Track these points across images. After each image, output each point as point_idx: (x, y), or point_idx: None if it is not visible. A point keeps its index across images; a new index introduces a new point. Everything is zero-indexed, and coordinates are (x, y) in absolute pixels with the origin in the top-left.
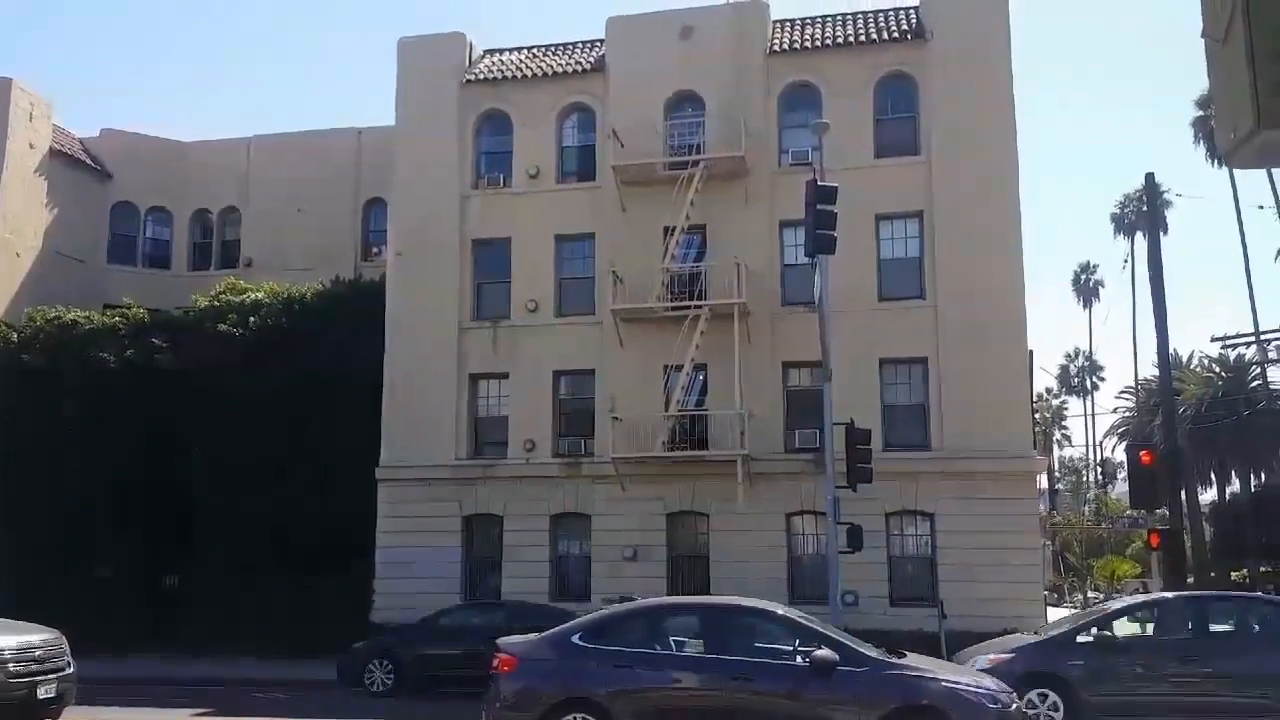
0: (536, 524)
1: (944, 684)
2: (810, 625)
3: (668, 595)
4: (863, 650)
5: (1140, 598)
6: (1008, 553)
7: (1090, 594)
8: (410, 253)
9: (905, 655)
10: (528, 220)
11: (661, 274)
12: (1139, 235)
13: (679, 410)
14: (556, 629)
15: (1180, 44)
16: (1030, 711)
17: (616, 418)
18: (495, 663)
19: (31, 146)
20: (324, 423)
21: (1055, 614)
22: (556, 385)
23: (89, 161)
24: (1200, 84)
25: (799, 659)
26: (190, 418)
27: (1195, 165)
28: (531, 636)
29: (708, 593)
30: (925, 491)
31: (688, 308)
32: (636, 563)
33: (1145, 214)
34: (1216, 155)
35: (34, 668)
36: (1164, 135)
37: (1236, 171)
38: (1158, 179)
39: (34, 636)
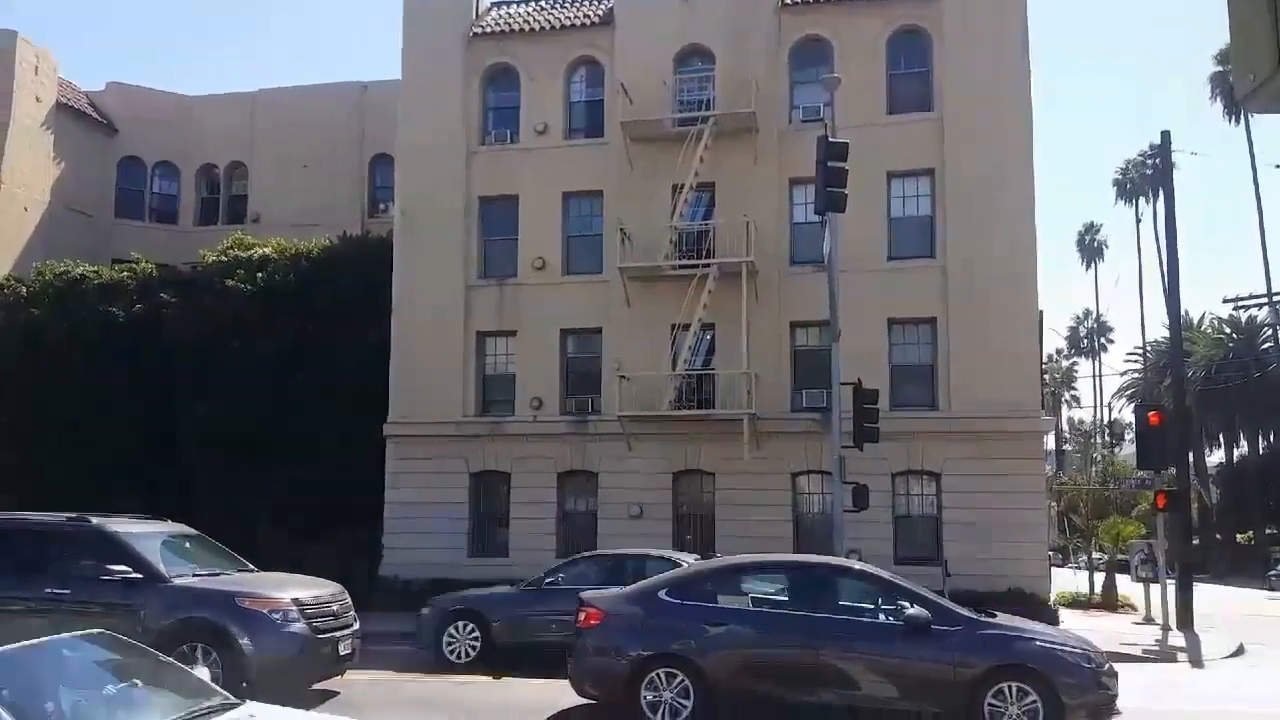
0: (543, 481)
1: (1039, 643)
2: (901, 584)
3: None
4: (955, 609)
5: None
6: (1013, 513)
7: (1095, 555)
8: (417, 210)
9: (996, 615)
10: (535, 177)
11: (669, 232)
12: (1142, 200)
13: (686, 369)
14: (641, 584)
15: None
16: None
17: (624, 376)
18: (581, 617)
19: (38, 100)
20: (330, 379)
21: (1059, 575)
22: (564, 344)
23: (95, 116)
24: (1219, 40)
25: (889, 617)
26: (197, 373)
27: (1210, 123)
28: (616, 591)
29: (713, 551)
30: (932, 451)
31: (695, 266)
32: (643, 520)
33: (1150, 178)
34: (1234, 110)
35: (333, 622)
36: (1177, 94)
37: (1253, 131)
38: (1169, 138)
39: (323, 590)
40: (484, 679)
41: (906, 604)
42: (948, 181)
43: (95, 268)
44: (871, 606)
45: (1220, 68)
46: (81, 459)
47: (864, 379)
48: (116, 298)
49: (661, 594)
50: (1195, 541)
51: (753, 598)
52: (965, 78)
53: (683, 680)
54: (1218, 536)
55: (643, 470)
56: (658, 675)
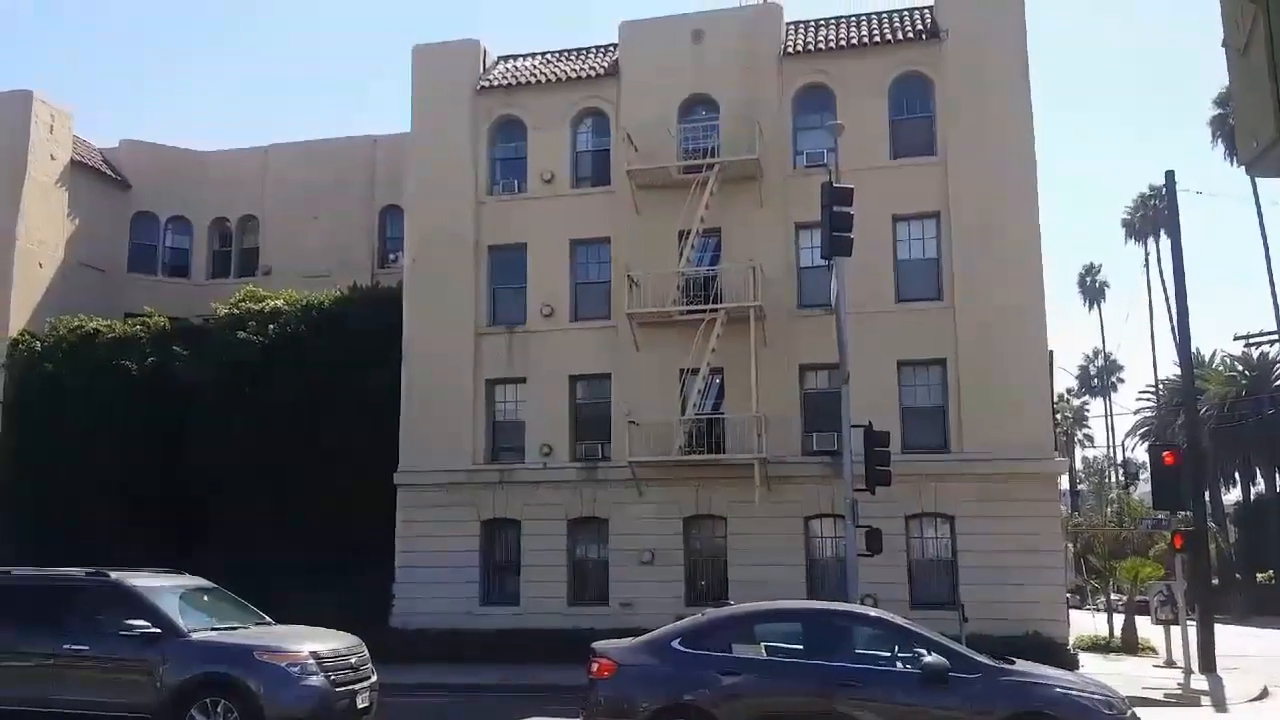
0: (554, 528)
1: (1059, 690)
2: (918, 630)
3: (685, 600)
4: (974, 656)
5: None
6: (1029, 555)
7: (1113, 596)
8: (426, 259)
9: (1014, 661)
10: (542, 225)
11: (677, 278)
12: (1151, 239)
13: (695, 414)
14: (654, 633)
15: (1197, 44)
16: None
17: (633, 422)
18: (594, 668)
19: (52, 158)
20: (342, 429)
21: (1078, 617)
22: (573, 390)
23: (109, 172)
24: (1218, 82)
25: (907, 665)
26: (209, 425)
27: (1212, 164)
28: (629, 641)
29: (725, 596)
30: (945, 494)
31: (703, 311)
32: (654, 566)
33: (1156, 218)
34: (1236, 154)
35: (351, 675)
36: (1179, 134)
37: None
38: (1174, 178)
39: (340, 643)
40: None
41: (924, 651)
42: (953, 224)
43: (109, 322)
44: (888, 654)
45: (1220, 110)
46: (98, 510)
47: (875, 421)
48: (130, 351)
49: (675, 644)
50: (1215, 582)
51: (767, 646)
52: (968, 121)
53: None
54: (1237, 576)
55: (653, 516)
56: None
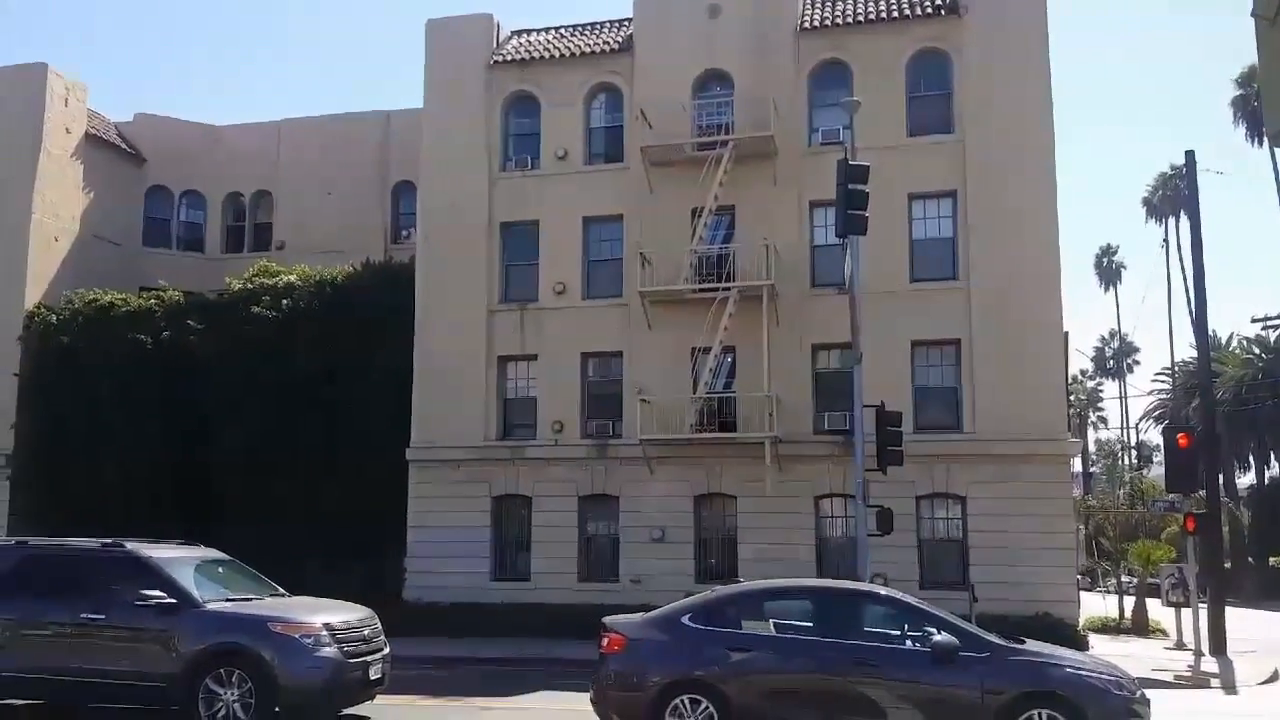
0: (565, 505)
1: (1068, 669)
2: (928, 609)
3: (695, 578)
4: (983, 635)
5: None
6: (1040, 536)
7: (1124, 578)
8: (439, 236)
9: (1024, 640)
10: (555, 202)
11: (689, 256)
12: (1171, 219)
13: (707, 392)
14: (664, 609)
15: (1219, 22)
16: None
17: (644, 400)
18: (604, 642)
19: (67, 131)
20: (354, 405)
21: (1088, 598)
22: (584, 367)
23: (124, 146)
24: (1240, 62)
25: (916, 643)
26: (223, 400)
27: (1234, 145)
28: (639, 616)
29: (735, 575)
30: (957, 475)
31: (716, 289)
32: (664, 544)
33: (1176, 197)
34: (1257, 133)
35: (364, 647)
36: (1200, 115)
37: (1278, 152)
38: (1194, 158)
39: (353, 615)
40: (512, 703)
41: (933, 630)
42: (970, 203)
43: (124, 296)
44: (898, 632)
45: (1242, 91)
46: (111, 483)
47: (887, 401)
48: (145, 325)
49: (685, 619)
50: (1227, 565)
51: (776, 623)
52: (986, 98)
53: (707, 706)
54: (1250, 559)
55: (664, 494)
56: (682, 701)
